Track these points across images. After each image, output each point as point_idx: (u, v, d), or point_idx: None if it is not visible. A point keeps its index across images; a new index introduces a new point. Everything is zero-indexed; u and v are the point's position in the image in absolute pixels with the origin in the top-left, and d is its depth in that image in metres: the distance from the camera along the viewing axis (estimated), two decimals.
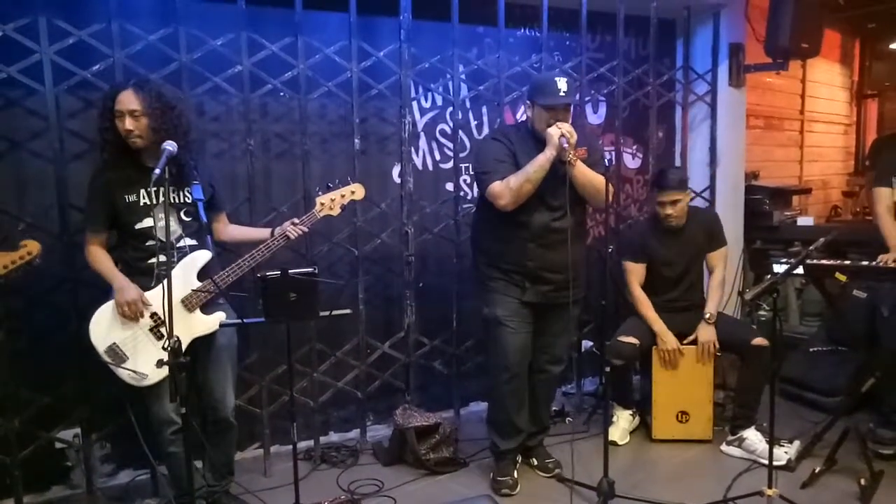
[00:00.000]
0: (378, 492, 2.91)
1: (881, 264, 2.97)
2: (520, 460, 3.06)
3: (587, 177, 2.70)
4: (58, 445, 2.80)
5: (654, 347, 3.28)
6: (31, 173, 2.71)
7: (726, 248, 3.44)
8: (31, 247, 2.16)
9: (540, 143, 2.69)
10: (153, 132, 2.27)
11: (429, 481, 2.98)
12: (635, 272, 3.37)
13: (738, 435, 3.18)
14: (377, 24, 3.26)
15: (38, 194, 2.70)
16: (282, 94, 3.06)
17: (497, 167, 2.70)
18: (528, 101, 2.78)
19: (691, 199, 3.35)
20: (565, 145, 2.55)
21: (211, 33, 2.84)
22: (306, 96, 3.05)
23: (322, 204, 2.57)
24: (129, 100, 2.26)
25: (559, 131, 2.57)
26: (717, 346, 3.25)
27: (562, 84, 2.65)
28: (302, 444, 3.14)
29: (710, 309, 3.30)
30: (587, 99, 3.84)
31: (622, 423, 3.39)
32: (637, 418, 3.47)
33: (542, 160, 2.60)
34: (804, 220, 4.64)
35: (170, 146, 2.10)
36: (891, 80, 6.66)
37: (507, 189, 2.64)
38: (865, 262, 3.06)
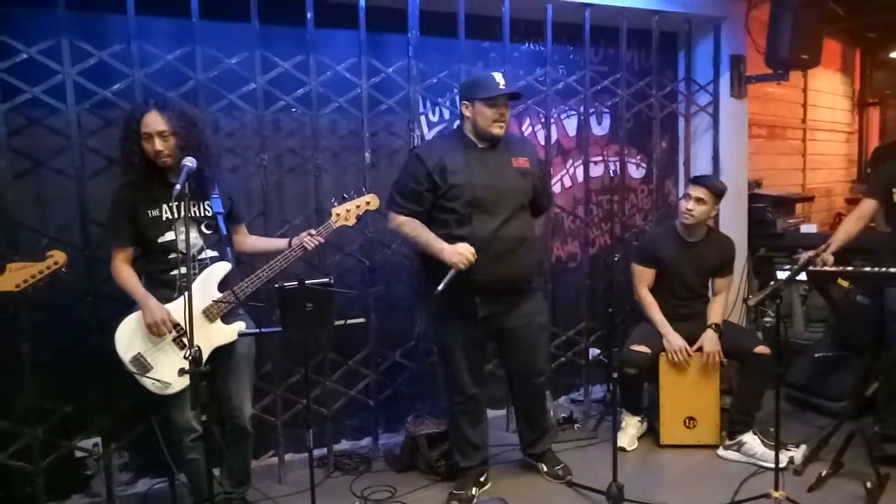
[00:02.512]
0: (391, 498, 2.96)
1: (807, 260, 2.99)
2: (485, 474, 3.02)
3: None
4: (78, 454, 2.86)
5: (661, 354, 3.34)
6: (53, 190, 2.79)
7: (732, 277, 3.53)
8: (58, 257, 2.22)
9: (474, 148, 2.69)
10: (181, 150, 2.33)
11: (441, 487, 3.03)
12: (643, 276, 3.43)
13: (737, 440, 3.23)
14: (386, 41, 3.34)
15: (59, 210, 2.78)
16: (294, 110, 3.15)
17: (406, 198, 2.70)
18: (464, 103, 2.72)
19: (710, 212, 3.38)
20: (448, 278, 2.55)
21: (226, 52, 2.93)
22: (318, 112, 3.12)
23: (338, 215, 2.63)
24: (156, 121, 2.32)
25: (459, 261, 2.56)
26: (722, 355, 3.30)
27: (499, 77, 2.64)
28: (315, 452, 3.15)
29: (715, 319, 3.35)
30: (591, 111, 3.91)
31: (630, 429, 3.44)
32: (645, 424, 3.52)
33: (433, 249, 2.63)
34: (807, 228, 4.69)
35: (189, 162, 2.17)
36: (891, 88, 6.72)
37: (399, 229, 2.74)
38: (868, 269, 3.11)
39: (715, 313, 3.38)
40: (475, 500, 2.88)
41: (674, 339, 3.31)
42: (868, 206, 3.23)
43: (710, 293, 3.51)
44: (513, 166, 2.73)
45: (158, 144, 2.32)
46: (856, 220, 3.22)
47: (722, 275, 3.47)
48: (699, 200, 3.27)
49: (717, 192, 3.30)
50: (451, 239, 2.65)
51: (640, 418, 3.48)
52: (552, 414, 3.49)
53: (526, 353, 2.89)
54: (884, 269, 3.01)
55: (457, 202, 2.65)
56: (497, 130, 2.67)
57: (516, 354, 2.90)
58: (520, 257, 2.72)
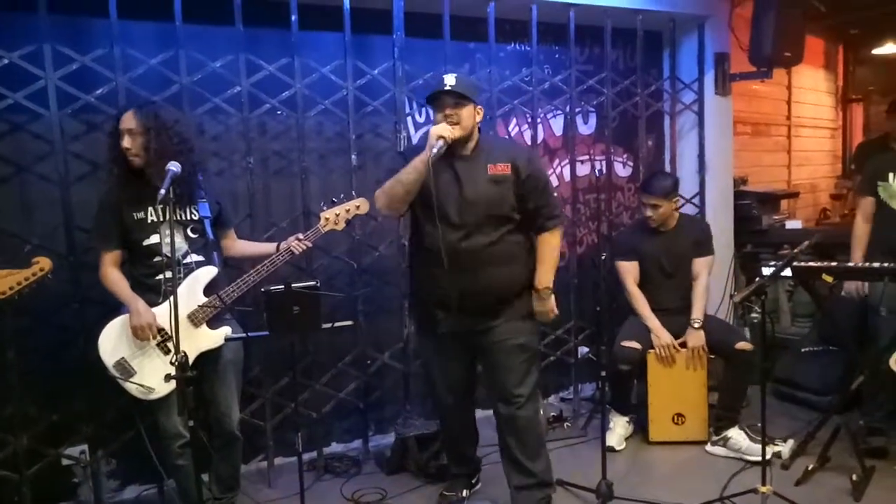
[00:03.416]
0: (382, 500, 2.96)
1: (791, 256, 2.98)
2: (476, 476, 3.01)
3: (554, 257, 2.58)
4: (65, 462, 2.83)
5: (649, 350, 3.36)
6: (36, 195, 2.77)
7: (712, 257, 3.53)
8: (44, 263, 2.21)
9: (448, 155, 2.44)
10: (146, 151, 2.34)
11: (431, 488, 3.03)
12: (629, 270, 3.45)
13: (723, 435, 3.26)
14: (371, 42, 3.34)
15: (43, 216, 2.76)
16: (280, 112, 3.14)
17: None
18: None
19: (680, 206, 3.45)
20: (435, 149, 2.31)
21: (210, 55, 2.92)
22: (304, 114, 3.12)
23: (327, 219, 2.62)
24: (128, 119, 2.35)
25: (437, 131, 2.33)
26: (706, 349, 3.33)
27: (449, 79, 2.41)
28: (305, 456, 3.14)
29: (696, 314, 3.38)
30: (577, 110, 3.92)
31: (619, 429, 3.44)
32: (632, 426, 3.52)
33: (416, 162, 2.35)
34: (792, 224, 4.73)
35: (173, 167, 2.16)
36: (875, 84, 6.78)
37: (381, 192, 2.47)
38: (851, 264, 3.15)
39: (697, 308, 3.40)
40: (465, 502, 2.88)
41: (662, 335, 3.33)
42: (867, 204, 3.31)
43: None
44: (487, 174, 2.47)
45: (126, 142, 2.34)
46: (864, 223, 3.30)
47: (700, 254, 3.47)
48: (654, 206, 3.35)
49: (667, 193, 3.36)
50: (420, 248, 2.54)
51: (627, 419, 3.49)
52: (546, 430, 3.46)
53: (495, 374, 2.61)
54: (867, 265, 3.05)
55: (420, 209, 2.51)
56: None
57: (487, 377, 2.69)
58: (489, 273, 2.46)
